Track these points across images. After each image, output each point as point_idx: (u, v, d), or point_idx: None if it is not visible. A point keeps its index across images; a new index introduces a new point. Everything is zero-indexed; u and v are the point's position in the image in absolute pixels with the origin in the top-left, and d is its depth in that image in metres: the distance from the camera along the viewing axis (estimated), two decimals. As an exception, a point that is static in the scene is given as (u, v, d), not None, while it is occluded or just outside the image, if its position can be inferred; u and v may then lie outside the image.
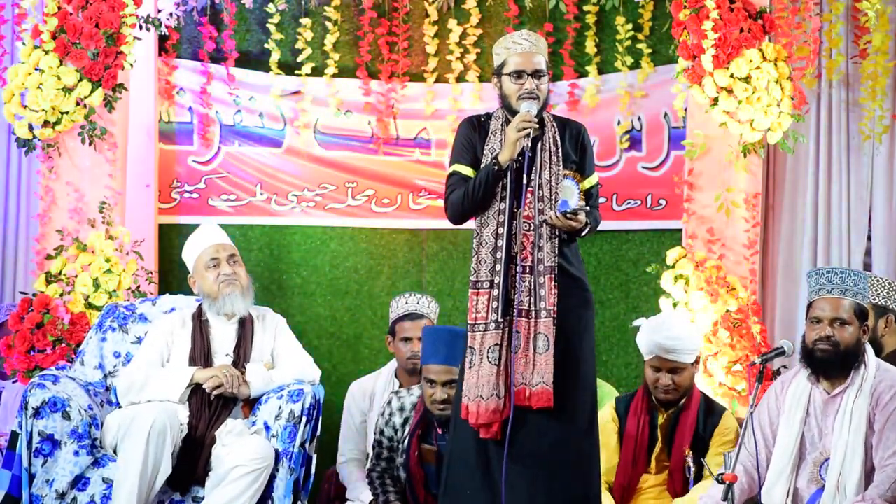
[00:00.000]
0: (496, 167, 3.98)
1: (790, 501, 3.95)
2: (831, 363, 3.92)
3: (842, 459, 3.85)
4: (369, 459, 4.78)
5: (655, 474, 4.59)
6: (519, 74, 4.05)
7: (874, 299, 4.69)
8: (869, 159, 5.98)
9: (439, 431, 4.55)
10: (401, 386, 5.08)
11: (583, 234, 4.04)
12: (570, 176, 3.99)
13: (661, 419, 4.63)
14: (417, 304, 5.09)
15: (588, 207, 4.03)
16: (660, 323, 4.66)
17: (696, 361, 4.69)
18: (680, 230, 5.79)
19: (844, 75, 5.94)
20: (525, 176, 3.95)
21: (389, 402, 4.74)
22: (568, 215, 3.92)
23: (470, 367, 4.00)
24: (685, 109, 5.80)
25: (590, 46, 6.07)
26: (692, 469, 4.48)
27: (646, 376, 4.66)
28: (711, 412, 4.63)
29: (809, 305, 4.01)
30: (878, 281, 4.82)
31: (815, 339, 3.92)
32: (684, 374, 4.60)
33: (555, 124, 4.13)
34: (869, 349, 4.00)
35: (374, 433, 4.74)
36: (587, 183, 4.09)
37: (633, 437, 4.58)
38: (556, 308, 3.96)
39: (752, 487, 4.04)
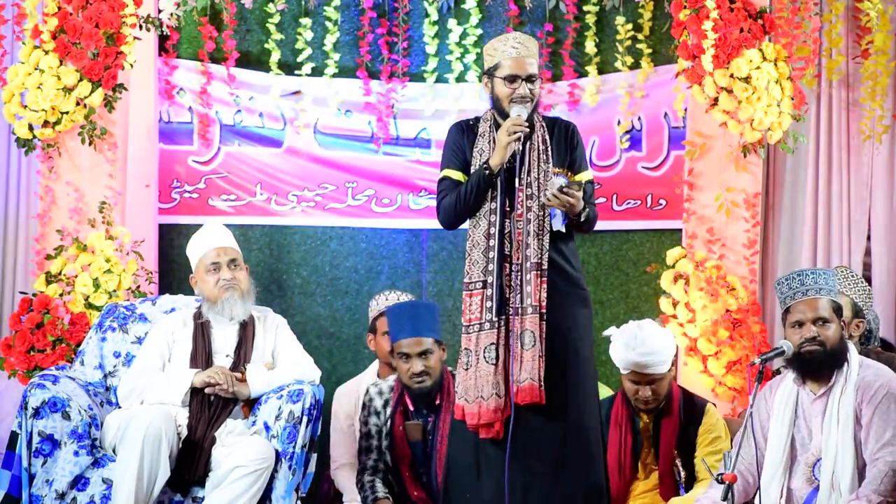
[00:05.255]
0: (487, 172, 3.99)
1: (784, 502, 3.95)
2: (820, 363, 3.92)
3: (833, 458, 3.86)
4: (359, 463, 4.77)
5: (645, 479, 4.56)
6: (512, 79, 4.04)
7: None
8: (869, 159, 5.98)
9: (411, 409, 4.65)
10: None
11: (583, 224, 4.04)
12: (560, 173, 4.01)
13: (642, 423, 4.58)
14: (398, 299, 5.13)
15: (579, 183, 4.01)
16: (632, 338, 4.52)
17: (673, 364, 4.61)
18: (680, 230, 5.79)
19: (844, 75, 5.94)
20: (517, 179, 3.96)
21: (367, 392, 4.80)
22: (564, 190, 3.91)
23: (466, 369, 4.02)
24: (685, 109, 5.80)
25: (590, 46, 6.06)
26: (682, 473, 4.47)
27: (624, 387, 4.59)
28: (693, 410, 4.57)
29: (786, 312, 4.01)
30: (840, 272, 4.76)
31: (802, 342, 3.92)
32: (663, 383, 4.53)
33: (544, 124, 4.14)
34: (851, 346, 4.01)
35: (359, 429, 4.76)
36: (580, 178, 4.08)
37: (616, 447, 4.52)
38: (543, 304, 3.97)
39: (747, 491, 4.05)
